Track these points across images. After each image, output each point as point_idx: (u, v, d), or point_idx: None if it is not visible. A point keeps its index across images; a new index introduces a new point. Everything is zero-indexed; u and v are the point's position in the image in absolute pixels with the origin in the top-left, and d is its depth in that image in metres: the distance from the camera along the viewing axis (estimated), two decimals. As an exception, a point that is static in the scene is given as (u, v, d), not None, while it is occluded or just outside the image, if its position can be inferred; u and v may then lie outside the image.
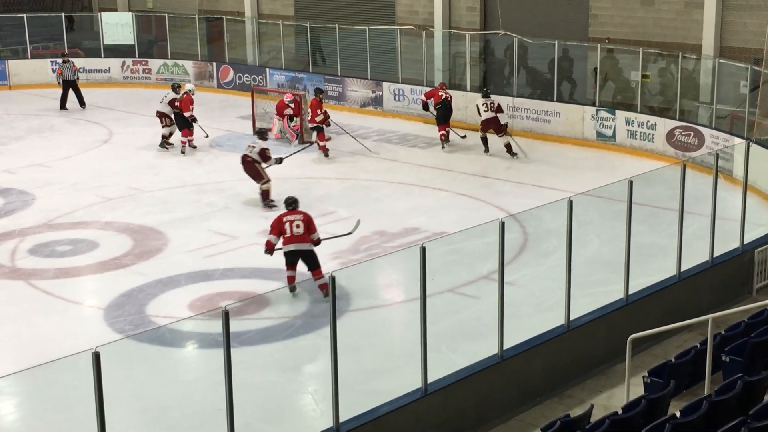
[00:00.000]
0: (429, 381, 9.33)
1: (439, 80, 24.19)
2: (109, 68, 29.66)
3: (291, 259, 12.96)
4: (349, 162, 20.20)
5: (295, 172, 19.40)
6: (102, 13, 32.06)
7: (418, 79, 25.27)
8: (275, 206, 16.45)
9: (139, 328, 12.17)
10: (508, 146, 20.25)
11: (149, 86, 28.63)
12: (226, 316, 7.86)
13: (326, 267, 13.45)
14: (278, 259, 14.37)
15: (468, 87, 24.25)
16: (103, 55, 29.94)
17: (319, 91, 21.44)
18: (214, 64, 29.01)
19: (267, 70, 27.73)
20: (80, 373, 7.63)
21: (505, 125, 20.42)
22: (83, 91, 26.20)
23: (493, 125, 20.36)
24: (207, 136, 20.13)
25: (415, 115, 24.11)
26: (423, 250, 9.06)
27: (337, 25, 26.60)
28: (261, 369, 11.13)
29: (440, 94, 21.51)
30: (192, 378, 11.34)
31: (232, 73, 28.58)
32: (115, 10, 33.51)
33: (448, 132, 21.36)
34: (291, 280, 12.93)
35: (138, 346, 11.25)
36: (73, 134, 23.33)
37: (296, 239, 12.86)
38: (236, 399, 7.99)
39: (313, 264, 12.95)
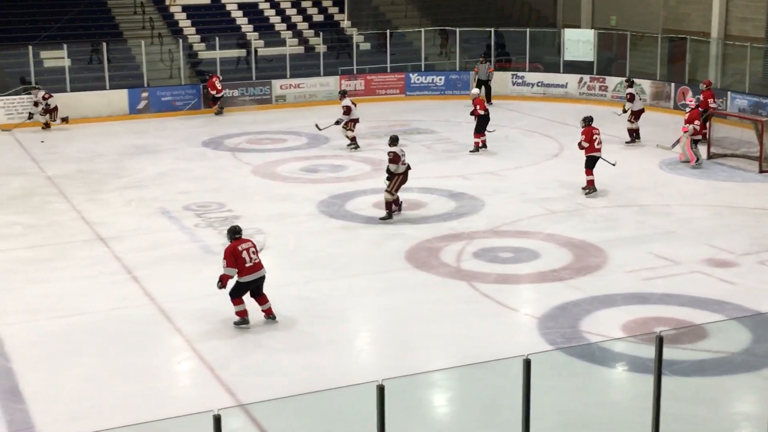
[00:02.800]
0: None
1: None
2: (567, 83, 30.13)
3: None
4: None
5: (750, 202, 18.43)
6: (565, 29, 32.65)
7: None
8: None
9: (571, 342, 12.18)
10: None
11: (604, 103, 28.68)
12: (659, 341, 7.60)
13: None
14: (720, 291, 13.71)
15: None
16: (561, 71, 30.48)
17: None
18: (673, 84, 28.37)
19: (728, 93, 26.60)
20: (509, 378, 7.76)
21: None
22: (539, 104, 26.97)
23: None
24: (614, 164, 19.49)
25: None
26: None
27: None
28: (691, 402, 10.65)
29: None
30: (618, 400, 11.13)
31: (691, 94, 27.78)
32: (579, 26, 33.94)
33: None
34: None
35: (567, 360, 11.26)
36: (526, 146, 23.99)
37: None
38: (663, 429, 7.70)
39: None
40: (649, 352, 7.72)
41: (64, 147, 24.47)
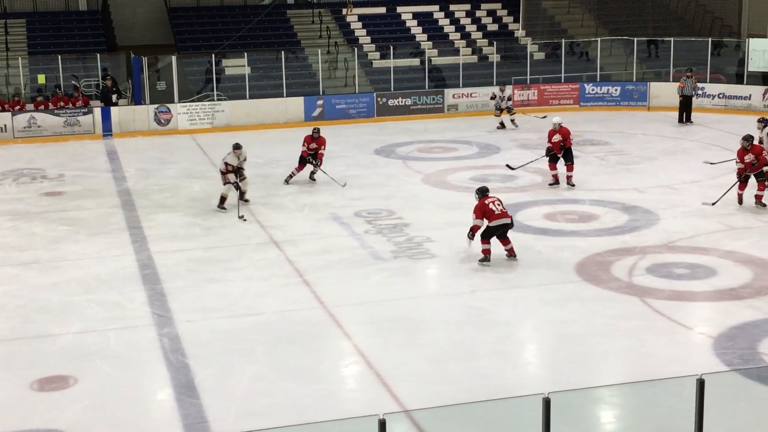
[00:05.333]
0: None
1: None
2: (750, 95, 29.01)
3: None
4: None
5: None
6: (750, 39, 31.43)
7: None
8: None
9: (748, 364, 11.68)
10: None
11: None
12: None
13: None
14: None
15: None
16: (745, 82, 29.37)
17: None
18: None
19: None
20: (682, 398, 7.52)
21: None
22: (719, 116, 26.15)
23: None
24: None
25: None
26: None
27: None
28: None
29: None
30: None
31: None
32: (765, 36, 32.63)
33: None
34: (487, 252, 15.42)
35: (744, 382, 10.81)
36: (704, 159, 23.20)
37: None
38: None
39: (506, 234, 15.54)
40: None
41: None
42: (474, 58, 32.86)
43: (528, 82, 31.14)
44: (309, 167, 21.37)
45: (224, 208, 19.17)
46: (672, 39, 30.94)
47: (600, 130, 27.31)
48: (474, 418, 9.06)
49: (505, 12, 35.66)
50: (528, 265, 15.52)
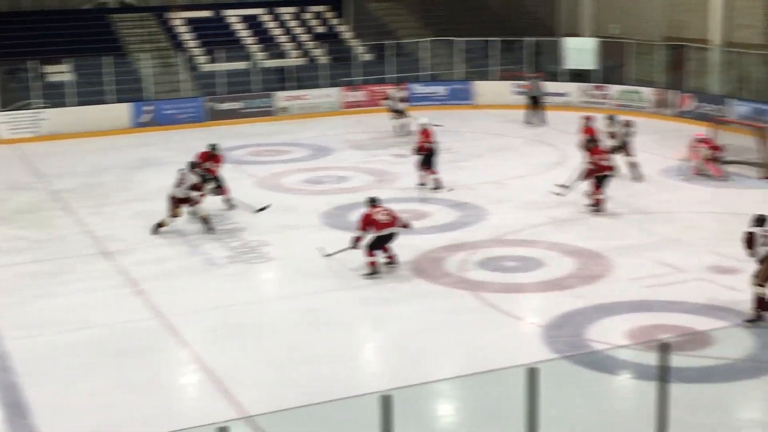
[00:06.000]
0: None
1: None
2: (569, 92, 30.17)
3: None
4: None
5: (751, 209, 18.49)
6: (566, 38, 32.73)
7: None
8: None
9: (576, 351, 12.21)
10: None
11: (606, 112, 28.70)
12: (664, 349, 7.63)
13: None
14: (725, 298, 13.74)
15: None
16: (562, 79, 30.53)
17: None
18: (674, 92, 28.42)
19: (730, 100, 26.64)
20: (516, 387, 7.80)
21: None
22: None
23: None
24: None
25: None
26: None
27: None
28: (696, 409, 10.67)
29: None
30: (623, 407, 11.15)
31: (691, 101, 27.84)
32: (580, 35, 34.03)
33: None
34: (374, 264, 15.07)
35: (573, 368, 11.29)
36: (529, 155, 24.06)
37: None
38: (668, 436, 7.73)
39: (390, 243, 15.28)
40: (654, 359, 7.74)
41: (69, 161, 24.55)
42: (303, 61, 32.92)
43: (356, 83, 31.44)
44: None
45: (159, 231, 17.60)
46: (494, 39, 31.85)
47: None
48: (316, 420, 9.14)
49: (332, 14, 35.87)
50: (362, 265, 15.68)
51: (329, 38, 34.50)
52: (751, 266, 15.00)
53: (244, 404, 10.88)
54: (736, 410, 11.04)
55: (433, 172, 20.52)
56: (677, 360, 11.08)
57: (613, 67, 31.38)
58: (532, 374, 7.30)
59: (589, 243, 16.57)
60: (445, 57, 33.58)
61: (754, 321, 12.72)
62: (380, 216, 15.14)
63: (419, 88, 31.48)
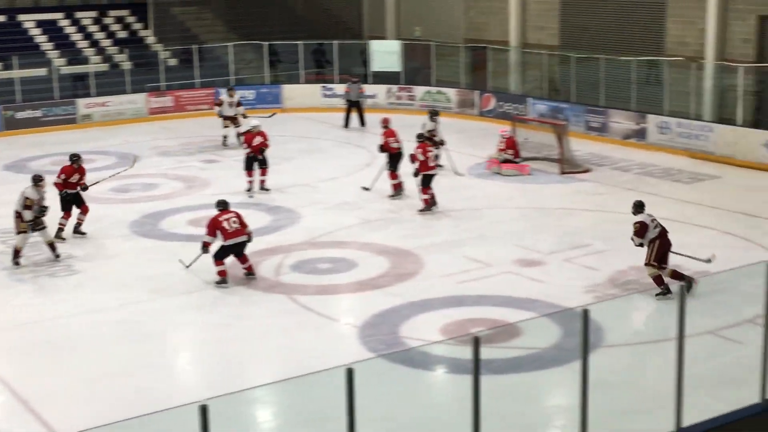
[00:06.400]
0: (683, 426, 8.91)
1: (708, 113, 23.33)
2: (375, 94, 30.61)
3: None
4: (605, 194, 19.79)
5: (554, 203, 19.30)
6: (371, 41, 33.19)
7: (685, 112, 24.45)
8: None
9: (392, 348, 12.40)
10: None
11: (412, 113, 29.30)
12: (476, 342, 7.84)
13: (579, 300, 13.23)
14: (530, 289, 14.28)
15: (739, 122, 23.22)
16: (369, 82, 30.94)
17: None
18: (477, 92, 29.31)
19: (529, 99, 27.71)
20: (333, 389, 7.84)
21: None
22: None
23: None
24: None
25: (680, 149, 23.36)
26: (682, 288, 8.70)
27: (602, 56, 26.24)
28: (508, 398, 11.04)
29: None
30: (440, 402, 11.41)
31: (493, 101, 28.78)
32: (384, 38, 34.57)
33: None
34: (224, 273, 14.70)
35: (390, 366, 11.45)
36: (339, 157, 24.24)
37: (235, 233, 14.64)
38: (483, 427, 7.95)
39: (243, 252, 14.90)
40: (466, 353, 7.95)
41: None
42: (105, 66, 32.01)
43: (163, 89, 30.83)
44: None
45: (18, 263, 15.86)
46: (301, 42, 31.93)
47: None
48: (133, 435, 8.90)
49: (134, 18, 35.03)
50: (174, 272, 15.41)
51: (132, 43, 33.69)
52: (554, 258, 15.65)
53: (52, 423, 10.48)
54: (545, 398, 11.49)
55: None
56: (489, 352, 11.44)
57: (417, 69, 32.07)
58: (350, 374, 7.36)
59: (400, 242, 16.86)
60: (252, 61, 33.41)
61: (664, 294, 13.56)
62: (228, 224, 14.71)
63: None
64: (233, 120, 25.53)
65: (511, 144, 21.95)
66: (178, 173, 22.52)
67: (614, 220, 17.87)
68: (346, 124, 27.80)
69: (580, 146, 23.82)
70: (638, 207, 14.17)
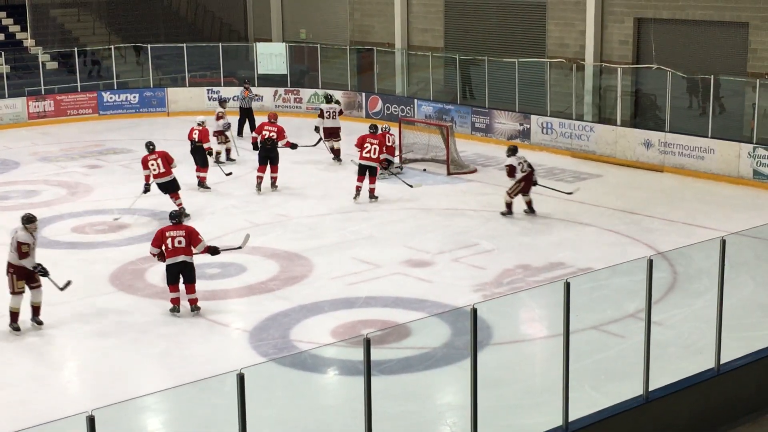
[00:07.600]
0: (570, 420, 9.14)
1: (589, 113, 23.93)
2: (262, 97, 30.44)
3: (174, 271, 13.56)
4: (492, 194, 20.11)
5: (441, 204, 19.50)
6: (257, 43, 33.00)
7: (567, 112, 25.05)
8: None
9: (283, 352, 12.35)
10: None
11: (300, 115, 29.28)
12: (367, 344, 7.89)
13: (468, 299, 13.42)
14: (420, 289, 14.42)
15: (618, 122, 23.89)
16: (256, 84, 30.78)
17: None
18: (364, 94, 29.43)
19: (415, 101, 27.96)
20: (225, 394, 7.78)
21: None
22: (234, 119, 27.06)
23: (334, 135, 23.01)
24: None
25: (563, 149, 23.90)
26: (567, 285, 8.91)
27: (486, 58, 26.65)
28: (400, 399, 11.13)
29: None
30: (332, 404, 11.42)
31: (380, 103, 28.94)
32: (270, 40, 34.42)
33: None
34: (176, 301, 13.61)
35: (281, 370, 11.40)
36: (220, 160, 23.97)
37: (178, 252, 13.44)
38: (375, 428, 8.00)
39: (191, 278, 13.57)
40: (358, 354, 7.98)
41: None
42: (-19, 70, 31.05)
43: (43, 93, 30.04)
44: None
45: (18, 328, 13.13)
46: (184, 45, 31.53)
47: (122, 138, 27.11)
48: (16, 449, 8.65)
49: (11, 21, 34.06)
50: (61, 281, 15.02)
51: (9, 46, 32.75)
52: (442, 258, 15.86)
53: (-67, 440, 10.12)
54: (436, 396, 11.61)
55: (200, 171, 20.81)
56: (380, 353, 11.52)
57: (304, 71, 32.02)
58: (241, 380, 7.32)
59: (288, 245, 16.81)
60: (135, 64, 32.85)
61: (504, 215, 18.09)
62: (172, 242, 13.45)
63: (110, 97, 30.56)
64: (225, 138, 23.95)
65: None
66: (61, 179, 21.99)
67: (501, 219, 18.18)
68: (240, 132, 26.99)
69: (466, 147, 24.18)
70: (511, 150, 18.18)
